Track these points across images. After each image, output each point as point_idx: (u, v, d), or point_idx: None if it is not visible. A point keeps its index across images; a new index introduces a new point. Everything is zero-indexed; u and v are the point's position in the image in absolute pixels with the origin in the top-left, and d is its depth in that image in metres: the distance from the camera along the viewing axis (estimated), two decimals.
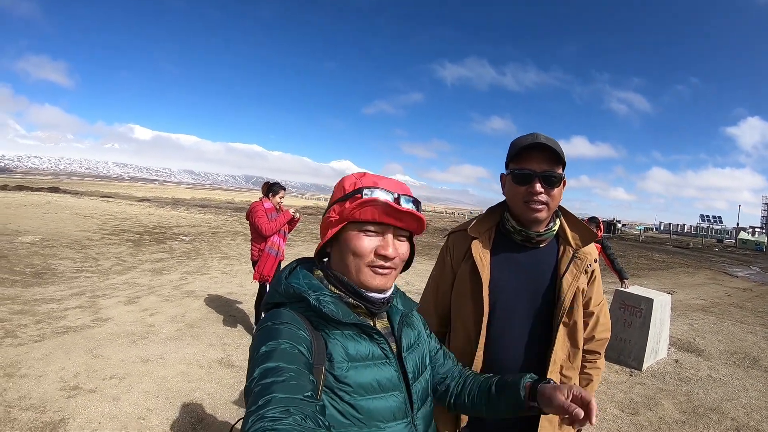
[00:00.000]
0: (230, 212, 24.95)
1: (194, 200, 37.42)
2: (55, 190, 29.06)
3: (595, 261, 1.36)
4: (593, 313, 1.39)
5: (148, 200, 30.46)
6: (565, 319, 1.30)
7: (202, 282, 7.24)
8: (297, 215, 4.84)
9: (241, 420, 0.72)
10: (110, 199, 26.25)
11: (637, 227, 55.94)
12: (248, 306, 5.91)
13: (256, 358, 0.79)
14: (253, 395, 0.71)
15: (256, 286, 4.75)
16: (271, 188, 4.86)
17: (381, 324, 1.00)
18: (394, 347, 0.97)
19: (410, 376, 0.98)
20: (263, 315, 0.95)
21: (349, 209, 0.90)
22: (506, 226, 1.36)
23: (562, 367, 1.34)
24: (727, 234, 58.98)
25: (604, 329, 1.43)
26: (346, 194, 0.92)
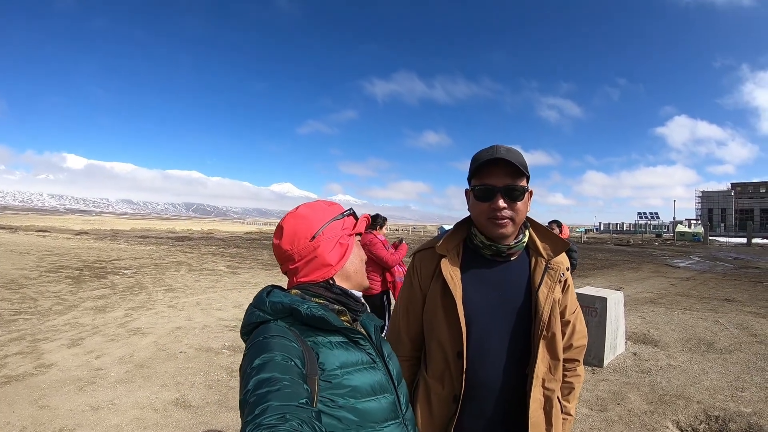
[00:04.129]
0: (172, 242, 23.93)
1: (134, 231, 35.52)
2: None
3: (567, 269, 1.33)
4: (569, 321, 1.36)
5: (86, 233, 28.54)
6: (544, 332, 1.26)
7: (148, 318, 6.78)
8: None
9: None
10: (46, 234, 24.44)
11: (578, 229, 58.87)
12: (199, 340, 5.60)
13: (249, 371, 0.80)
14: (248, 406, 0.71)
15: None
16: (377, 221, 4.86)
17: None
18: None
19: (395, 378, 1.05)
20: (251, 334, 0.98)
21: (359, 224, 1.09)
22: (474, 242, 1.33)
23: (543, 380, 1.29)
24: (665, 228, 63.49)
25: (581, 336, 1.41)
26: (341, 213, 1.06)
